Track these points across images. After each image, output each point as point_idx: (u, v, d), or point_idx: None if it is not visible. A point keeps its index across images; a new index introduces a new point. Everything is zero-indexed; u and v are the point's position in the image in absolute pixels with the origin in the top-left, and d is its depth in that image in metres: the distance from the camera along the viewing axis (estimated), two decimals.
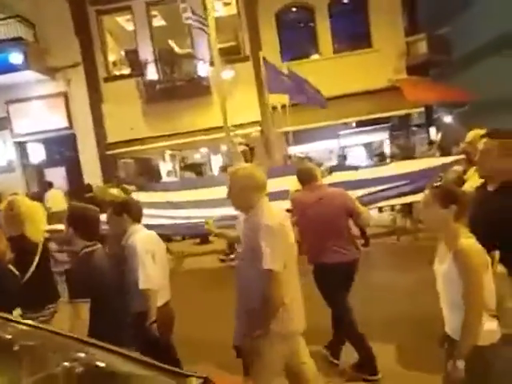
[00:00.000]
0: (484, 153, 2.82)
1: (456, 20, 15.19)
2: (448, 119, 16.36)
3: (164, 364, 1.56)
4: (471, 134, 4.21)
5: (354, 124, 14.08)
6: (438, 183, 2.51)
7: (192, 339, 3.80)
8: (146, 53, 14.39)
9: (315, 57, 14.62)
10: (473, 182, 3.45)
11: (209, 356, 4.10)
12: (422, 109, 13.24)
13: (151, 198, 5.65)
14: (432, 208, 2.31)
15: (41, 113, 14.39)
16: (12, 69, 12.91)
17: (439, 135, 15.00)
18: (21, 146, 14.83)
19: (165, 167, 14.42)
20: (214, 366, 3.94)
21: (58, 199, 10.89)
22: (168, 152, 14.66)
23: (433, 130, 14.79)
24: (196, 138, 13.59)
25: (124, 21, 15.26)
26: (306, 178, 3.86)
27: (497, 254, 2.74)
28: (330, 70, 13.50)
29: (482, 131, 3.33)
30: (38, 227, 3.53)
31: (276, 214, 2.65)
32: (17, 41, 12.94)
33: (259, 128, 13.80)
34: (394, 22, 13.92)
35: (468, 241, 2.21)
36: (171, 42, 15.78)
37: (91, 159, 14.36)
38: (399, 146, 14.18)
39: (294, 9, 14.79)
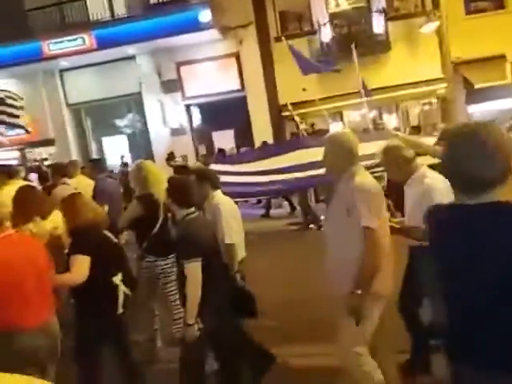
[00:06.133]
0: None
1: None
2: None
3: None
4: None
5: None
6: None
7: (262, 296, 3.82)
8: (319, 13, 14.00)
9: None
10: None
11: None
12: None
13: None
14: None
15: (212, 75, 14.37)
16: (198, 28, 12.81)
17: None
18: (190, 109, 14.92)
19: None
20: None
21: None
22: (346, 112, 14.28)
23: None
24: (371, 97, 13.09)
25: None
26: None
27: None
28: None
29: None
30: (162, 188, 3.69)
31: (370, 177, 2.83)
32: None
33: (444, 85, 13.15)
34: None
35: None
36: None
37: (262, 121, 14.21)
38: None
39: None
